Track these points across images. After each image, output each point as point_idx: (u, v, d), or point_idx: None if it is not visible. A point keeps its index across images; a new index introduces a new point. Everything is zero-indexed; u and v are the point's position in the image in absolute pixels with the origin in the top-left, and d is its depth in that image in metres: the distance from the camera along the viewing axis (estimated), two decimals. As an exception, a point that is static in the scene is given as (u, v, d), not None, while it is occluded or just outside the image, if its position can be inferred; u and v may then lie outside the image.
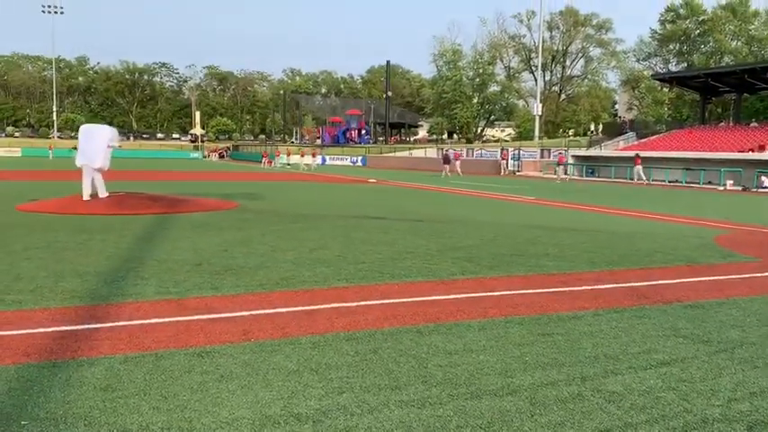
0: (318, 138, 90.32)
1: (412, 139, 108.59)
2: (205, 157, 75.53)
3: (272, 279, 6.43)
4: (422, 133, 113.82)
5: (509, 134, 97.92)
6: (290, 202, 16.60)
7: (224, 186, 23.38)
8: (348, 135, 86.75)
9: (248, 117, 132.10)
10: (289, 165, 47.11)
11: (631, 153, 36.39)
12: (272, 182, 28.07)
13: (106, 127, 14.42)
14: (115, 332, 4.60)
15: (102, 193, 13.71)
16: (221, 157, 74.44)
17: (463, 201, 18.91)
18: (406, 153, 62.30)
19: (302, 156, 45.91)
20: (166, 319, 4.92)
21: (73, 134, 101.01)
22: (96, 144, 13.50)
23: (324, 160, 61.10)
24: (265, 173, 38.73)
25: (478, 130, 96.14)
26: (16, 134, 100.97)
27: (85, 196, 13.58)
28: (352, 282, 6.41)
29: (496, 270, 7.27)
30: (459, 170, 34.62)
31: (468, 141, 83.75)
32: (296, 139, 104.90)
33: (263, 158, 49.03)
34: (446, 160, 35.95)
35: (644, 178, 33.90)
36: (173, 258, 7.47)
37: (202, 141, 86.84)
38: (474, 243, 9.38)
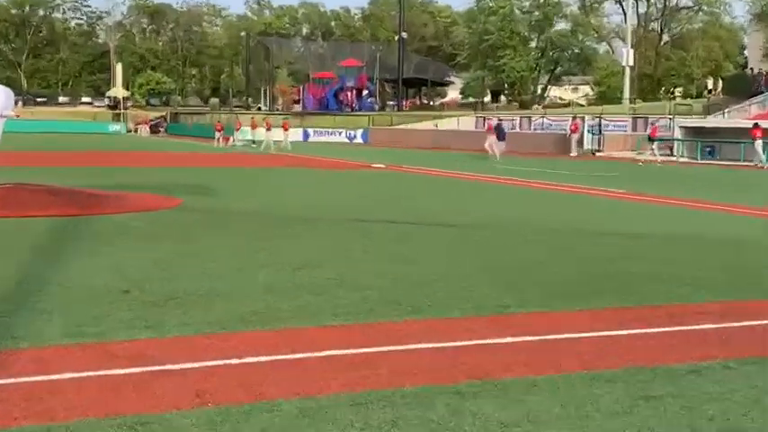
0: (297, 101, 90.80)
1: (437, 102, 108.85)
2: (131, 131, 76.11)
3: (235, 313, 6.46)
4: (452, 94, 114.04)
5: (584, 95, 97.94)
6: (259, 199, 16.69)
7: (160, 175, 23.55)
8: (342, 98, 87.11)
9: (194, 72, 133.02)
10: (254, 143, 47.30)
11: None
12: (230, 168, 28.24)
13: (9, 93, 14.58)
14: (4, 393, 4.61)
15: None
16: (154, 131, 75.02)
17: (515, 195, 18.93)
18: (428, 124, 62.46)
19: (268, 128, 46.03)
20: (82, 374, 4.92)
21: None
22: None
23: (306, 135, 61.41)
24: (221, 155, 38.95)
25: (538, 90, 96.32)
26: None
27: None
28: (355, 317, 6.42)
29: (570, 300, 7.26)
30: (495, 149, 34.36)
31: (523, 106, 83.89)
32: (265, 104, 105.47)
33: (217, 133, 49.06)
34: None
35: (763, 158, 34.00)
36: (87, 283, 7.51)
37: (126, 108, 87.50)
38: (534, 259, 9.38)
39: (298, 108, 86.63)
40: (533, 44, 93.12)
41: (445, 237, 11.14)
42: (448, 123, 61.06)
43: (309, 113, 79.31)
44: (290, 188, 19.66)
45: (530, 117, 56.40)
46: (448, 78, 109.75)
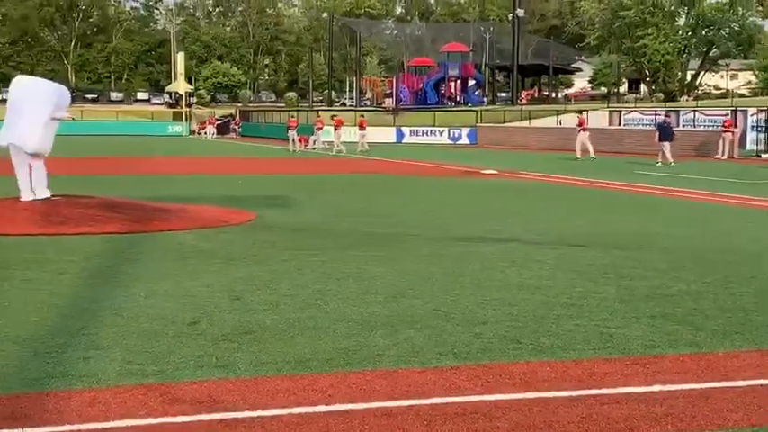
0: (389, 95, 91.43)
1: (561, 94, 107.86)
2: (194, 132, 78.01)
3: (321, 351, 6.53)
4: (580, 83, 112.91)
5: (746, 83, 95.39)
6: (344, 213, 16.85)
7: (229, 185, 24.07)
8: (444, 90, 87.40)
9: (267, 62, 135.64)
10: (339, 148, 47.92)
11: None
12: (310, 176, 28.64)
13: (49, 84, 15.24)
14: (55, 442, 4.77)
15: (42, 192, 14.51)
16: (222, 132, 76.69)
17: (659, 206, 18.58)
18: (550, 120, 61.97)
19: (337, 127, 46.47)
20: (142, 421, 5.05)
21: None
22: (32, 112, 14.29)
23: (399, 135, 61.81)
24: (299, 160, 39.55)
25: (687, 77, 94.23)
26: None
27: (26, 194, 14.54)
28: (465, 358, 6.40)
29: (738, 338, 7.10)
30: (666, 154, 34.00)
31: (669, 97, 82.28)
32: (350, 98, 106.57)
33: (291, 133, 49.15)
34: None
35: None
36: (148, 312, 7.72)
37: (189, 105, 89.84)
38: (691, 288, 9.18)
39: (389, 103, 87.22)
40: (681, 21, 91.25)
41: (574, 259, 11.01)
42: (574, 119, 60.44)
43: (404, 109, 79.85)
44: (380, 200, 19.80)
45: (677, 111, 55.29)
46: (574, 64, 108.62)
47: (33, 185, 14.53)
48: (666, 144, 34.30)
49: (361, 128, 48.28)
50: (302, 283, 9.19)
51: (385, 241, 12.65)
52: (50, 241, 12.10)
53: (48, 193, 14.60)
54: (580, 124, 39.83)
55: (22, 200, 14.44)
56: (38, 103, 14.31)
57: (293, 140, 48.18)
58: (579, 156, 38.08)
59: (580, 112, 50.54)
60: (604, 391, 5.72)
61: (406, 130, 63.41)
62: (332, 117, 52.32)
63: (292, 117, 55.38)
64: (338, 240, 12.67)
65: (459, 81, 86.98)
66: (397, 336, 7.02)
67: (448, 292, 8.83)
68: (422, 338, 6.93)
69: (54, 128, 14.61)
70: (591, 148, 38.12)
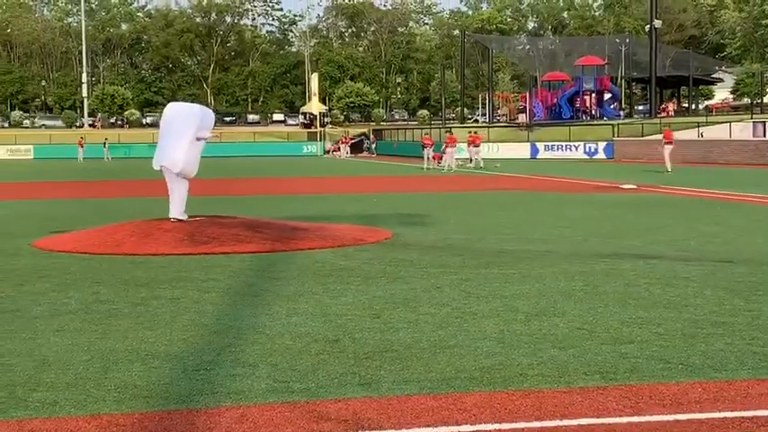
0: (523, 110, 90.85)
1: (702, 105, 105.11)
2: (328, 152, 79.18)
3: (464, 369, 6.49)
4: (720, 95, 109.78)
5: None
6: (479, 229, 16.82)
7: (365, 203, 24.30)
8: (578, 104, 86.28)
9: (399, 80, 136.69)
10: (473, 163, 47.82)
11: None
12: (444, 193, 28.67)
13: (193, 106, 15.80)
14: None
15: (178, 214, 14.98)
16: (356, 150, 77.59)
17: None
18: (691, 133, 60.40)
19: (449, 144, 46.56)
20: (288, 439, 5.13)
21: (114, 119, 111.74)
22: (178, 133, 14.88)
23: (534, 151, 61.32)
24: (432, 178, 39.65)
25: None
26: (25, 122, 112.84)
27: (178, 213, 15.06)
28: (612, 378, 6.27)
29: None
30: (667, 162, 34.03)
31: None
32: (482, 114, 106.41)
33: (427, 150, 49.47)
34: None
35: None
36: (291, 330, 7.86)
37: (323, 125, 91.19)
38: None
39: (523, 119, 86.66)
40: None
41: (721, 276, 10.68)
42: (716, 131, 58.80)
43: (538, 124, 79.17)
44: (516, 216, 19.67)
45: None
46: (714, 75, 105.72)
47: (176, 207, 14.96)
48: None
49: (475, 144, 48.60)
50: (442, 302, 9.19)
51: (523, 258, 12.55)
52: (196, 260, 12.45)
53: (185, 216, 15.02)
54: (666, 137, 40.20)
55: (171, 219, 14.91)
56: (183, 124, 14.81)
57: (428, 158, 48.43)
58: (670, 169, 38.02)
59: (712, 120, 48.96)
60: (760, 413, 5.51)
61: (540, 145, 62.90)
62: (446, 132, 52.39)
63: (426, 135, 55.58)
64: (476, 258, 12.63)
65: (594, 95, 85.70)
66: (541, 355, 6.93)
67: (591, 310, 8.69)
68: (566, 357, 6.83)
69: (199, 148, 15.05)
70: (668, 162, 38.63)
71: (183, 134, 14.70)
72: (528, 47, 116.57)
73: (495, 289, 9.92)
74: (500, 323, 8.09)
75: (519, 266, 11.69)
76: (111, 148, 73.79)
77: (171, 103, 16.20)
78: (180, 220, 14.87)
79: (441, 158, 50.11)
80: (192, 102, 19.19)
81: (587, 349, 7.08)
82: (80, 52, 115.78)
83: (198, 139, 14.90)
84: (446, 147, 47.05)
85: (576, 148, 61.24)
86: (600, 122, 76.10)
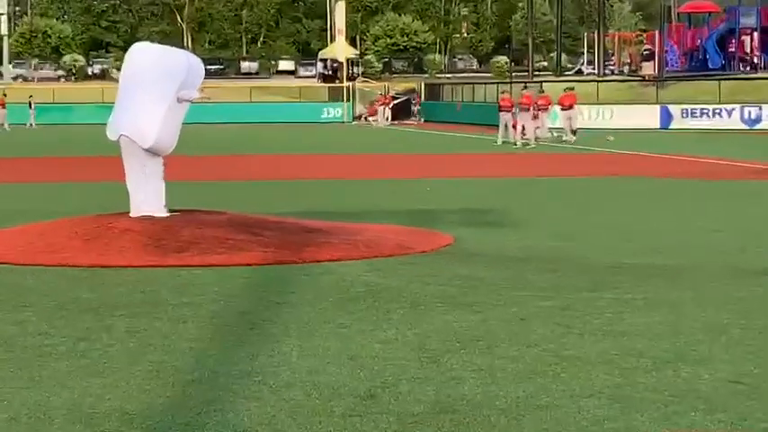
0: (648, 56, 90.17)
1: None
2: (360, 117, 79.00)
3: None
4: None
5: None
6: (580, 233, 16.83)
7: (414, 193, 24.25)
8: (734, 47, 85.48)
9: (466, 11, 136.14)
10: (572, 134, 47.61)
11: None
12: (528, 179, 28.56)
13: (175, 54, 15.81)
14: None
15: (156, 208, 15.05)
16: (401, 114, 77.37)
17: None
18: None
19: (541, 108, 46.34)
20: None
21: (46, 64, 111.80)
22: (151, 92, 14.87)
23: (666, 117, 60.90)
24: (512, 156, 39.46)
25: None
26: None
27: (137, 208, 15.11)
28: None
29: None
30: None
31: None
32: (588, 63, 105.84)
33: (503, 115, 49.00)
34: None
35: None
36: (304, 380, 7.83)
37: (353, 79, 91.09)
38: None
39: (650, 69, 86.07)
40: None
41: None
42: None
43: (672, 78, 78.57)
44: (635, 214, 19.59)
45: None
46: None
47: (145, 197, 14.97)
48: None
49: (565, 106, 48.26)
50: (527, 340, 9.15)
51: (647, 276, 12.50)
52: (165, 276, 12.47)
53: (165, 212, 15.05)
54: None
55: (130, 215, 14.94)
56: (159, 78, 14.81)
57: (505, 127, 48.16)
58: None
59: None
60: None
61: (674, 109, 62.48)
62: (522, 89, 51.95)
63: (504, 93, 55.05)
64: (578, 275, 12.58)
65: (757, 35, 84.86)
66: (677, 420, 6.89)
67: (751, 355, 8.62)
68: (713, 424, 6.79)
69: (181, 114, 15.10)
70: None
71: (158, 92, 14.70)
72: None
73: (606, 322, 9.87)
74: (614, 372, 8.05)
75: (642, 288, 11.63)
76: (41, 111, 74.29)
77: (138, 45, 16.21)
78: (157, 218, 14.89)
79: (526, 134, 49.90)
80: (158, 40, 19.13)
81: (747, 413, 7.03)
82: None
83: (179, 101, 14.91)
84: (538, 111, 46.97)
85: (730, 114, 60.80)
86: (765, 75, 75.43)
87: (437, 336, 9.34)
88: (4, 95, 72.58)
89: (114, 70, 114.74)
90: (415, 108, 79.16)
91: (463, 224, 17.49)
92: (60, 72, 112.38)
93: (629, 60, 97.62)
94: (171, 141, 15.04)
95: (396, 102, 79.22)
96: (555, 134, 48.54)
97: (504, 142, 46.69)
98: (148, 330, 9.56)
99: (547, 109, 49.30)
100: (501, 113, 48.84)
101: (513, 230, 17.18)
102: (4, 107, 69.99)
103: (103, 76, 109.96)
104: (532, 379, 7.88)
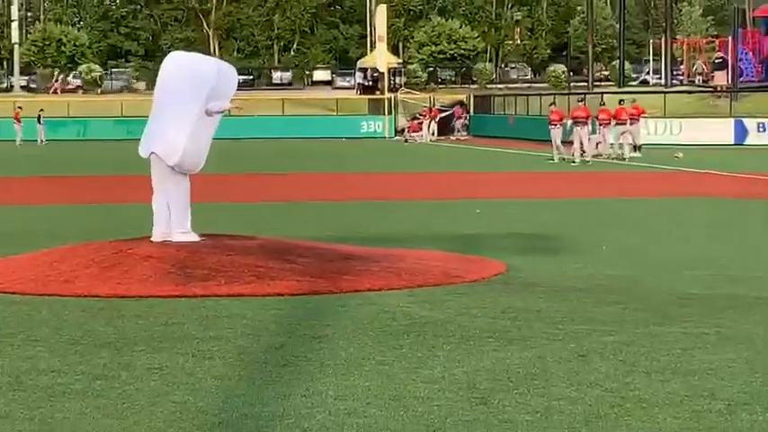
0: (720, 65, 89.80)
1: None
2: (403, 131, 78.93)
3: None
4: None
5: None
6: (646, 261, 16.80)
7: (462, 216, 24.22)
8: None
9: (519, 16, 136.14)
10: (636, 149, 47.48)
11: None
12: (586, 200, 28.48)
13: (208, 61, 15.87)
14: None
15: (182, 233, 15.13)
16: (445, 130, 77.24)
17: None
18: None
19: (602, 122, 46.04)
20: None
21: (59, 77, 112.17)
22: (178, 105, 15.00)
23: (741, 132, 60.63)
24: (568, 174, 39.36)
25: None
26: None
27: (158, 233, 15.17)
28: None
29: None
30: None
31: None
32: (653, 72, 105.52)
33: (554, 130, 48.70)
34: None
35: None
36: (342, 422, 7.82)
37: (395, 90, 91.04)
38: None
39: (721, 78, 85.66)
40: None
41: None
42: None
43: (747, 89, 78.11)
44: (706, 240, 19.54)
45: None
46: None
47: (171, 220, 15.01)
48: None
49: (622, 120, 48.16)
50: (588, 379, 9.12)
51: (719, 308, 12.45)
52: (190, 307, 12.49)
53: (193, 236, 15.13)
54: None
55: (152, 240, 14.99)
56: (186, 91, 14.88)
57: (557, 146, 48.08)
58: None
59: None
60: None
61: (750, 123, 62.19)
62: (578, 101, 51.74)
63: (552, 106, 54.60)
64: (643, 307, 12.53)
65: None
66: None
67: None
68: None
69: (211, 128, 15.16)
70: None
71: (185, 105, 14.76)
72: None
73: (674, 359, 9.82)
74: (684, 416, 8.01)
75: (714, 322, 11.57)
76: (52, 126, 74.61)
77: (172, 55, 16.26)
78: (181, 243, 14.92)
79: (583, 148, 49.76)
80: (184, 47, 19.06)
81: None
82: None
83: (209, 114, 14.92)
84: (599, 125, 46.93)
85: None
86: None
87: (488, 374, 9.32)
88: (20, 109, 73.01)
89: (134, 81, 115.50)
90: (458, 122, 78.91)
91: (516, 251, 17.45)
92: (77, 82, 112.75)
93: (702, 70, 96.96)
94: (198, 158, 15.08)
95: (442, 115, 79.08)
96: (618, 150, 48.33)
97: (563, 159, 46.53)
98: (171, 367, 9.56)
99: (608, 123, 49.12)
100: (551, 128, 48.72)
101: (571, 257, 17.13)
102: (19, 122, 70.46)
103: (121, 89, 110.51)
104: (593, 423, 7.85)
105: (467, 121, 79.56)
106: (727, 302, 12.84)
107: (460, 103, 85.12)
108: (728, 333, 10.95)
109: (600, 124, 49.41)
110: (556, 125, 48.57)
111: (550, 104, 54.28)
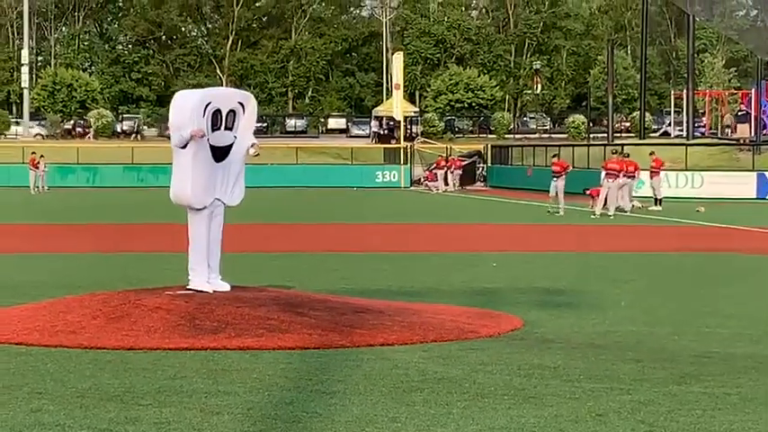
0: (743, 117, 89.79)
1: None
2: (419, 182, 79.02)
3: None
4: None
5: None
6: (666, 317, 16.81)
7: (479, 269, 24.20)
8: None
9: (539, 65, 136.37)
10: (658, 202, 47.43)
11: None
12: (606, 254, 28.46)
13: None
14: None
15: (194, 281, 15.14)
16: (466, 180, 77.26)
17: None
18: None
19: (628, 174, 46.32)
20: None
21: (70, 123, 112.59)
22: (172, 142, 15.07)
23: (765, 186, 60.65)
24: (588, 227, 39.32)
25: None
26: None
27: (193, 277, 15.21)
28: None
29: None
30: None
31: None
32: (675, 124, 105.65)
33: (555, 183, 48.50)
34: None
35: None
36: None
37: (411, 139, 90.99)
38: None
39: (744, 131, 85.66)
40: None
41: None
42: None
43: (771, 142, 78.06)
44: (729, 296, 19.50)
45: None
46: None
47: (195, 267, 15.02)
48: None
49: (629, 173, 48.28)
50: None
51: (742, 368, 12.39)
52: (198, 360, 12.46)
53: (224, 285, 15.21)
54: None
55: (188, 288, 15.07)
56: (174, 127, 14.98)
57: (555, 194, 48.16)
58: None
59: None
60: None
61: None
62: (612, 152, 51.82)
63: (555, 157, 54.10)
64: (663, 366, 12.48)
65: None
66: None
67: None
68: None
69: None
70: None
71: (174, 140, 14.90)
72: (756, 12, 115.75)
73: (695, 420, 9.76)
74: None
75: (736, 382, 11.52)
76: (61, 171, 74.83)
77: (175, 95, 16.30)
78: (192, 291, 14.95)
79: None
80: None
81: None
82: (19, 15, 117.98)
83: (193, 138, 14.74)
84: (626, 177, 46.96)
85: None
86: None
87: (509, 433, 9.29)
88: (33, 154, 73.07)
89: (145, 127, 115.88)
90: (482, 170, 79.18)
91: (534, 305, 17.43)
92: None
93: (729, 123, 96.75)
94: (191, 193, 15.01)
95: (464, 163, 79.25)
96: (639, 204, 48.36)
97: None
98: (178, 422, 9.52)
99: (633, 176, 48.99)
100: (554, 180, 48.46)
101: (589, 313, 17.09)
102: (37, 168, 70.70)
103: (131, 132, 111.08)
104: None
105: (484, 172, 79.71)
106: (750, 362, 12.79)
107: (478, 153, 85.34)
108: (751, 395, 10.88)
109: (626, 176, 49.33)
110: (558, 177, 48.51)
111: (553, 156, 54.39)
